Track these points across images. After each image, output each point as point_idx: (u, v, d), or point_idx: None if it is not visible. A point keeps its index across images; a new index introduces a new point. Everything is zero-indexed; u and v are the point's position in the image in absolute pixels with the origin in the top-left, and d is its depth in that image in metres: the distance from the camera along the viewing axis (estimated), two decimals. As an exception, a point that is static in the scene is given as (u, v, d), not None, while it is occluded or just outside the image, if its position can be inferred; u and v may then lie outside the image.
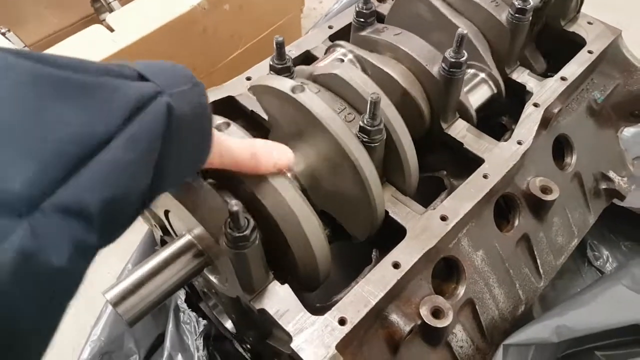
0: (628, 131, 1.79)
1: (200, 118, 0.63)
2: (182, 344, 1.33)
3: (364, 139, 0.92)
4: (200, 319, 1.34)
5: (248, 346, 1.20)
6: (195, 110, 0.60)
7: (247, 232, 0.75)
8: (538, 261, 1.21)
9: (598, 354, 1.38)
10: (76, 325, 1.41)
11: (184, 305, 1.37)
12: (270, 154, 0.80)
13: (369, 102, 0.88)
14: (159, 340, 1.40)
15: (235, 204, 0.71)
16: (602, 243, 1.68)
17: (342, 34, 1.40)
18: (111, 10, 1.93)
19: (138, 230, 1.79)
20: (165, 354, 1.32)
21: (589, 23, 1.43)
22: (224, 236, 0.76)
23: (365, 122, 0.91)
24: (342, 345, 0.83)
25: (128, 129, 0.51)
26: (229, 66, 1.90)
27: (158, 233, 1.15)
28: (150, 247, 1.46)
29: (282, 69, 1.02)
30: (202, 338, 1.29)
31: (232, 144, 0.75)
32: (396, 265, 0.91)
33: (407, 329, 0.92)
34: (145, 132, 0.53)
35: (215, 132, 0.69)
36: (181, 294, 1.38)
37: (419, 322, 0.94)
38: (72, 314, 0.61)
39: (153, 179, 0.56)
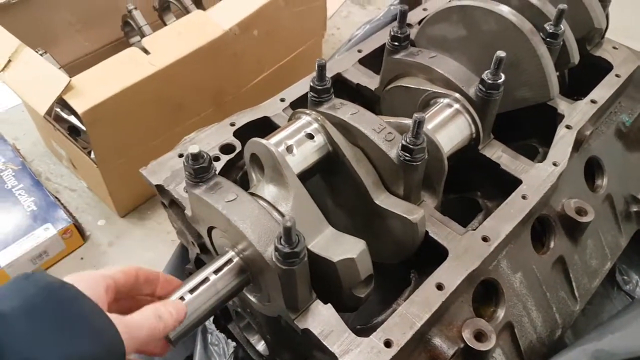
0: (653, 155, 1.79)
1: (48, 295, 0.66)
2: (211, 365, 1.31)
3: (406, 158, 0.93)
4: (229, 340, 1.32)
5: (281, 368, 1.18)
6: (31, 296, 0.65)
7: (298, 248, 0.75)
8: (573, 284, 1.20)
9: (632, 381, 1.36)
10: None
11: (212, 327, 1.36)
12: (170, 313, 0.79)
13: (412, 121, 0.89)
14: (187, 362, 1.39)
15: (289, 220, 0.72)
16: (631, 267, 1.65)
17: (372, 57, 1.43)
18: (142, 34, 1.97)
19: (152, 248, 1.80)
20: (194, 376, 1.31)
21: (614, 48, 1.45)
22: (275, 252, 0.76)
23: (407, 140, 0.92)
24: (387, 368, 0.82)
25: None
26: (255, 89, 1.93)
27: (194, 251, 1.15)
28: (180, 265, 1.45)
29: (323, 90, 1.04)
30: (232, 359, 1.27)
31: (136, 320, 0.74)
32: (440, 287, 0.91)
33: (451, 352, 0.91)
34: None
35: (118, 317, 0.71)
36: (210, 315, 1.37)
37: (462, 345, 0.92)
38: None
39: None
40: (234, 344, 1.28)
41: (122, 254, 1.80)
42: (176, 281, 0.87)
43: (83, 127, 1.76)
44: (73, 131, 1.94)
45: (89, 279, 0.74)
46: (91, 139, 1.58)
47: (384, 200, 1.00)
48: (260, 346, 1.24)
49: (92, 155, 1.72)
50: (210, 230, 0.95)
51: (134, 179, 1.14)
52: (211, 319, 1.38)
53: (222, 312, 1.36)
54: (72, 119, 1.94)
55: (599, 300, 1.63)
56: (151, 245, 1.82)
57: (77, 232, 1.78)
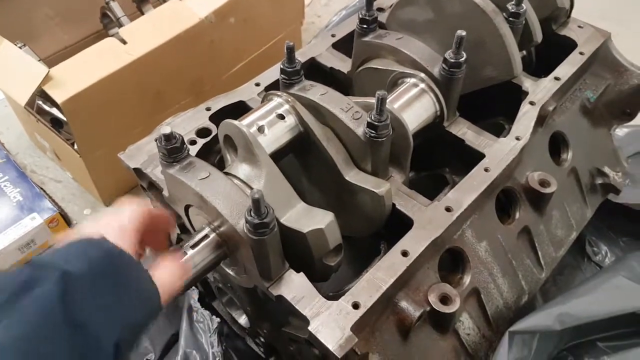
0: (621, 131, 1.85)
1: (110, 260, 0.72)
2: (197, 342, 1.36)
3: (372, 134, 0.98)
4: (214, 317, 1.37)
5: (262, 339, 1.24)
6: (96, 261, 0.70)
7: (267, 219, 0.80)
8: (539, 253, 1.26)
9: (600, 345, 1.43)
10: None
11: (197, 305, 1.41)
12: (182, 268, 0.85)
13: (376, 98, 0.94)
14: (173, 340, 1.43)
15: (256, 192, 0.77)
16: (600, 239, 1.72)
17: (345, 42, 1.47)
18: (120, 25, 2.00)
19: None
20: (180, 352, 1.35)
21: (579, 27, 1.50)
22: (246, 223, 0.81)
23: (372, 118, 0.97)
24: (356, 330, 0.87)
25: (18, 305, 0.62)
26: (234, 77, 1.97)
27: (175, 232, 1.20)
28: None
29: (293, 72, 1.08)
30: (216, 334, 1.32)
31: (167, 278, 0.80)
32: (405, 254, 0.96)
33: (417, 314, 0.96)
34: (35, 300, 0.63)
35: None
36: (194, 294, 1.42)
37: (428, 308, 0.98)
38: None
39: (81, 334, 0.64)
40: (218, 319, 1.33)
41: (108, 241, 1.84)
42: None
43: (65, 118, 1.79)
44: (56, 123, 1.97)
45: (126, 235, 0.78)
46: (72, 129, 1.61)
47: (354, 177, 1.05)
48: (242, 319, 1.30)
49: (75, 146, 1.75)
50: (187, 209, 1.00)
51: (118, 168, 1.18)
52: (196, 298, 1.43)
53: (206, 291, 1.41)
54: (54, 111, 1.97)
55: (570, 271, 1.70)
56: (137, 232, 1.86)
57: (64, 221, 1.82)
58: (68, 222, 1.86)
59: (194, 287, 1.43)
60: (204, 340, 1.37)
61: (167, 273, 0.80)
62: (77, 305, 0.65)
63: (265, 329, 1.15)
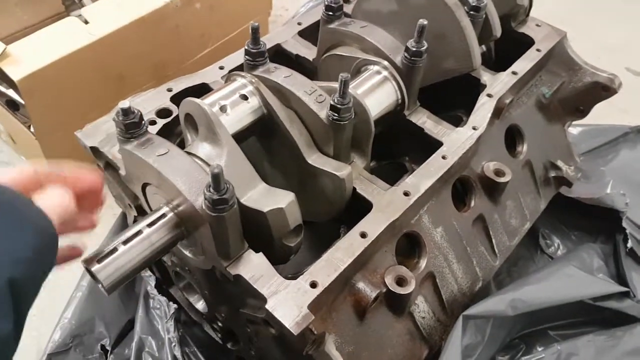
0: (575, 130, 1.93)
1: None
2: (152, 328, 1.34)
3: (334, 117, 0.99)
4: (171, 303, 1.36)
5: (219, 324, 1.23)
6: None
7: (227, 195, 0.80)
8: (493, 240, 1.30)
9: (551, 333, 1.49)
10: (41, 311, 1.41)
11: (154, 292, 1.39)
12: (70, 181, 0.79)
13: (339, 81, 0.95)
14: (129, 326, 1.41)
15: (216, 167, 0.76)
16: (553, 232, 1.79)
17: (311, 30, 1.48)
18: (82, 6, 1.94)
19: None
20: (136, 337, 1.33)
21: (537, 25, 1.55)
22: (204, 200, 0.81)
23: (335, 100, 0.98)
24: (313, 309, 0.88)
25: None
26: (198, 63, 1.94)
27: (132, 214, 1.18)
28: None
29: (257, 53, 1.08)
30: (172, 320, 1.30)
31: (57, 204, 0.74)
32: (363, 235, 0.97)
33: (373, 295, 0.98)
34: None
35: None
36: (151, 280, 1.40)
37: (384, 289, 1.00)
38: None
39: None
40: (175, 306, 1.32)
41: (64, 227, 1.79)
42: (84, 175, 0.84)
43: (21, 100, 1.73)
44: (11, 106, 1.91)
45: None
46: (29, 110, 1.56)
47: (316, 160, 1.05)
48: (200, 305, 1.29)
49: (32, 129, 1.69)
50: (144, 188, 0.98)
51: (75, 152, 1.14)
52: (153, 284, 1.41)
53: (163, 277, 1.39)
54: (11, 92, 1.90)
55: (523, 262, 1.76)
56: (94, 219, 1.82)
57: (17, 206, 1.75)
58: (22, 207, 1.80)
59: (150, 274, 1.41)
60: (160, 326, 1.35)
61: (56, 199, 0.75)
62: None
63: (223, 313, 1.15)
